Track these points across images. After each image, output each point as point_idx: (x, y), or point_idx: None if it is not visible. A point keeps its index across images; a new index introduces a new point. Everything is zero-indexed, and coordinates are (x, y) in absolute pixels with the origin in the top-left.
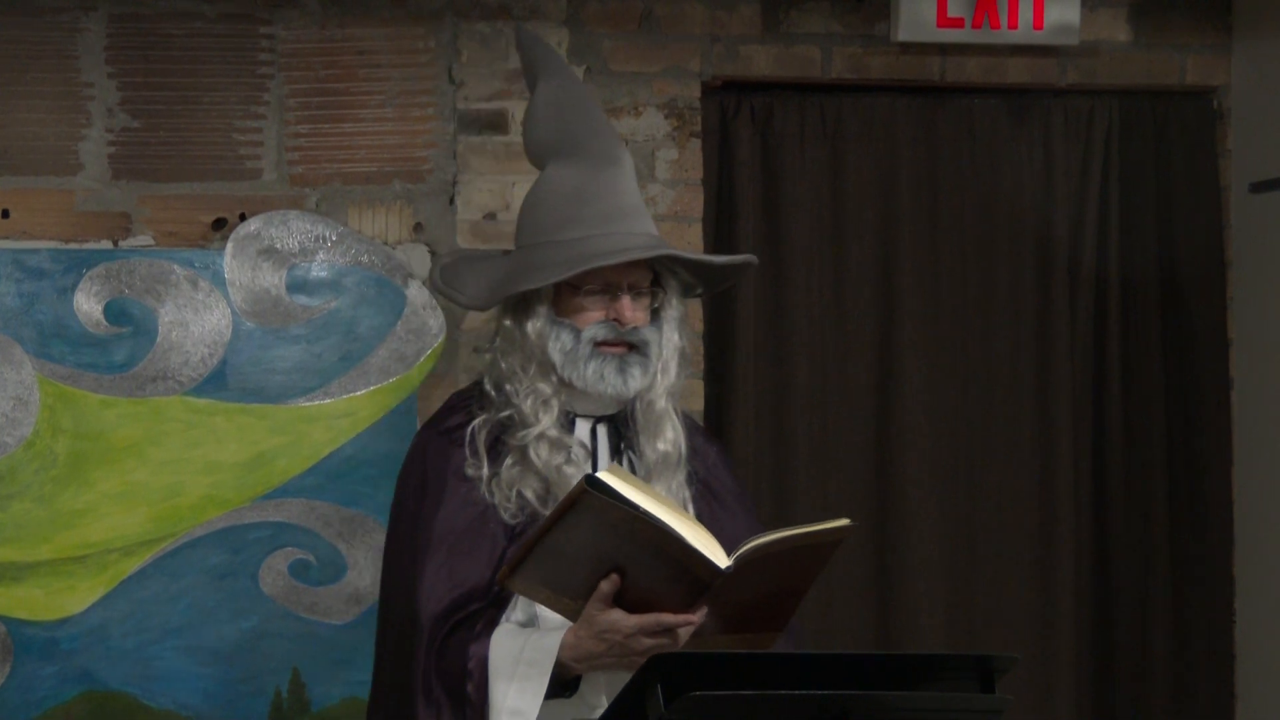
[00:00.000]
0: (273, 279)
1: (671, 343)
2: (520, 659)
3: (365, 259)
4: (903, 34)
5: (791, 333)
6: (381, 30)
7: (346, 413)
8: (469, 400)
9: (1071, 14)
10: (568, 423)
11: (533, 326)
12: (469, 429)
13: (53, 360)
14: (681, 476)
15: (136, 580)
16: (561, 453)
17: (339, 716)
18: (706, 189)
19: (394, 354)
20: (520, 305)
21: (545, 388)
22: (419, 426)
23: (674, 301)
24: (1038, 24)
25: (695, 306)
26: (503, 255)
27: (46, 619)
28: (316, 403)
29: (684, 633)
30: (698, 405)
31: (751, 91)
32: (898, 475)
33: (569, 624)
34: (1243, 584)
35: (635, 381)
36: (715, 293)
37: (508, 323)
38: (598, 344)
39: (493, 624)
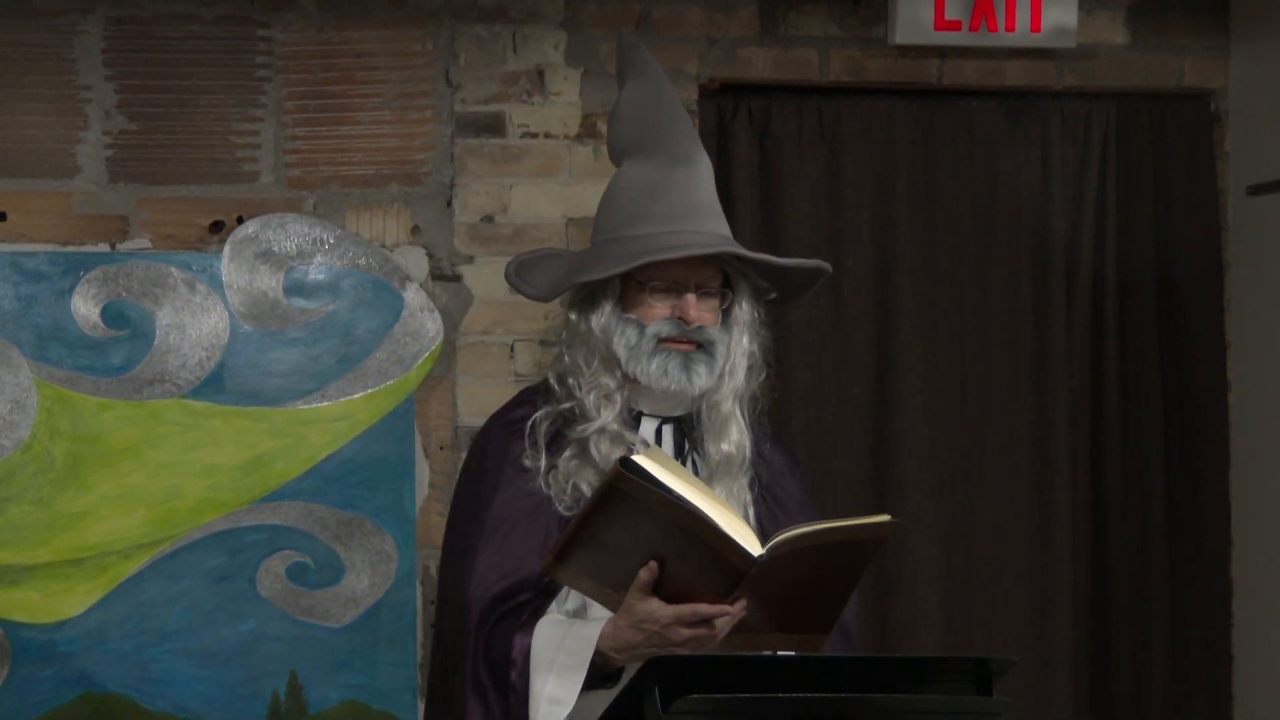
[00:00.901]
0: (270, 282)
1: (740, 345)
2: (561, 648)
3: (363, 262)
4: (900, 36)
5: (789, 334)
6: (379, 33)
7: (344, 415)
8: (535, 394)
9: (1069, 16)
10: (633, 420)
11: (598, 321)
12: (531, 420)
13: (50, 363)
14: (744, 480)
15: (134, 583)
16: (621, 447)
17: (337, 719)
18: None
19: (391, 357)
20: (587, 300)
21: (609, 382)
22: (416, 429)
23: (744, 304)
24: (1035, 26)
25: None
26: (577, 253)
27: (44, 621)
28: (314, 405)
29: (722, 624)
30: None
31: (749, 94)
32: (895, 477)
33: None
34: (1240, 586)
35: (700, 379)
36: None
37: (573, 316)
38: (662, 340)
39: (539, 614)
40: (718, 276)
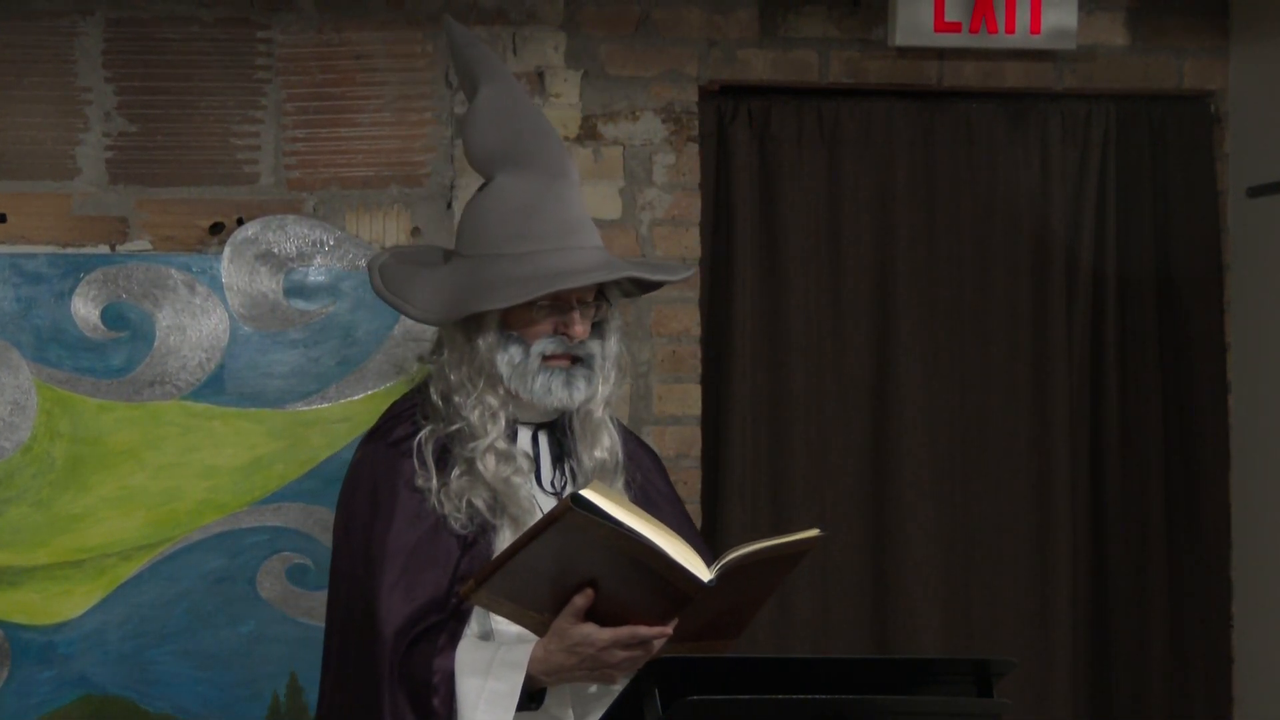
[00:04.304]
0: (270, 283)
1: (613, 353)
2: (490, 674)
3: (363, 263)
4: (900, 38)
5: (789, 336)
6: (379, 34)
7: (344, 417)
8: (411, 411)
9: (1069, 18)
10: (511, 432)
11: (484, 341)
12: (416, 440)
13: (50, 364)
14: (619, 483)
15: (134, 584)
16: (509, 464)
17: None
18: (704, 193)
19: (391, 358)
20: (469, 318)
21: (493, 400)
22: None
23: (616, 311)
24: (1035, 28)
25: (692, 311)
26: (445, 260)
27: (44, 623)
28: (314, 407)
29: (658, 644)
30: (694, 410)
31: (749, 96)
32: (894, 479)
33: (526, 636)
34: (1240, 588)
35: (580, 394)
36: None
37: (458, 336)
38: (545, 358)
39: (455, 637)
40: (594, 290)
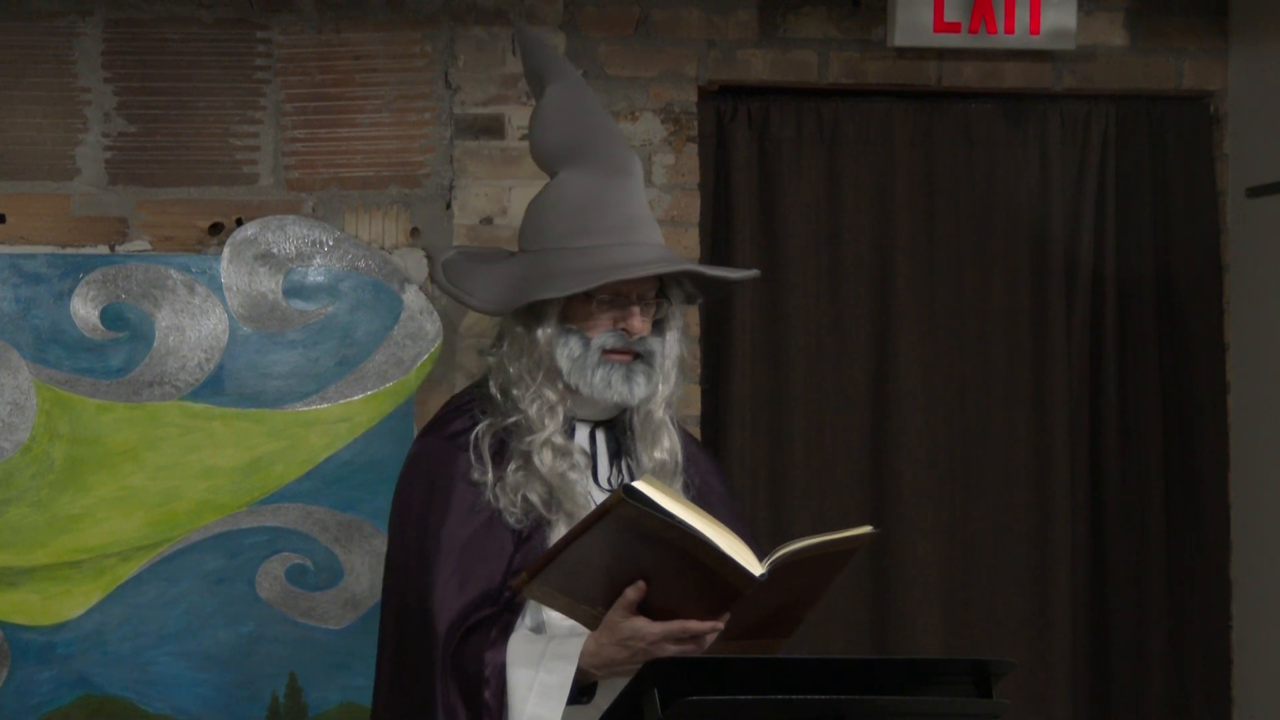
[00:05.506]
0: (269, 284)
1: (673, 352)
2: (540, 667)
3: (362, 264)
4: (899, 39)
5: (788, 337)
6: (378, 35)
7: (343, 417)
8: (470, 404)
9: (1068, 19)
10: (569, 428)
11: (543, 333)
12: (473, 434)
13: (49, 365)
14: (678, 485)
15: (133, 585)
16: (566, 459)
17: None
18: (703, 194)
19: (391, 358)
20: (530, 311)
21: (551, 394)
22: (415, 431)
23: (677, 312)
24: (1034, 29)
25: (691, 311)
26: (509, 257)
27: (43, 624)
28: (313, 407)
29: (710, 639)
30: (694, 410)
31: (748, 96)
32: (894, 479)
33: (578, 629)
34: (1239, 587)
35: (640, 389)
36: (712, 299)
37: (518, 329)
38: (605, 352)
39: (507, 630)
40: (654, 287)
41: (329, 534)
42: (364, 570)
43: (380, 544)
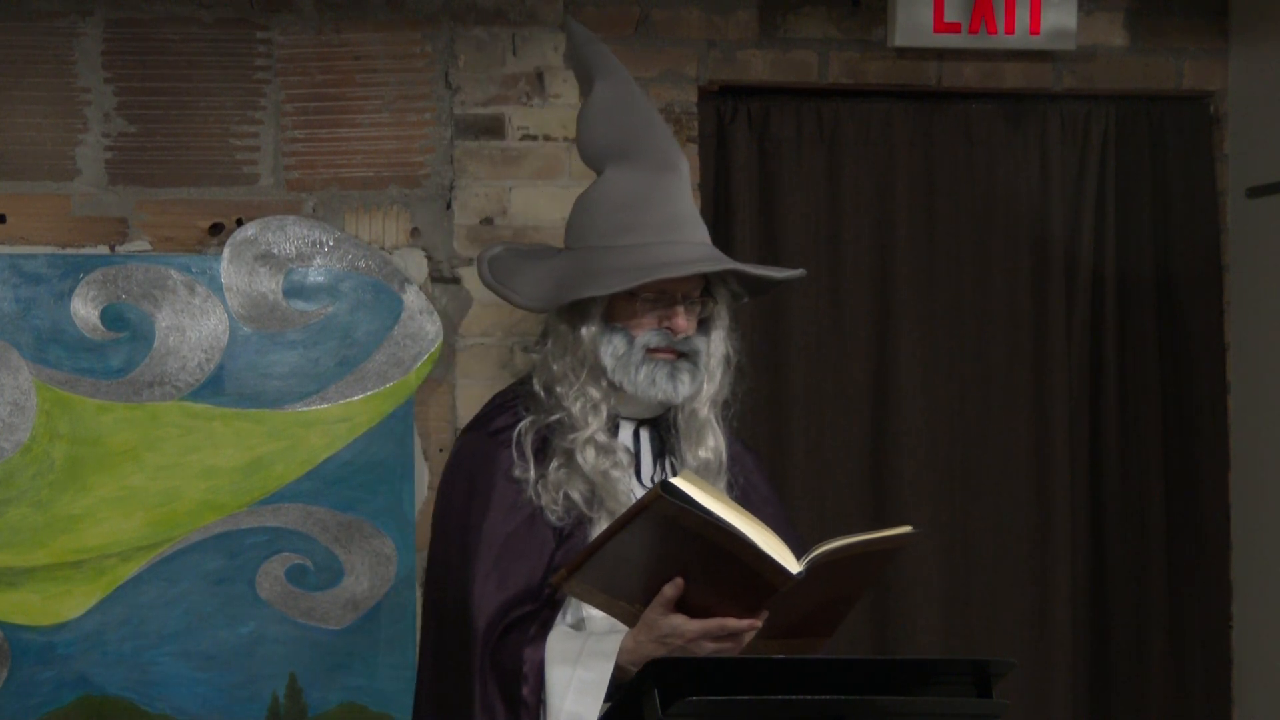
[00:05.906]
0: (269, 284)
1: (718, 352)
2: (578, 663)
3: (362, 264)
4: (899, 39)
5: (788, 337)
6: (378, 35)
7: (343, 418)
8: (514, 401)
9: (1068, 19)
10: (612, 426)
11: (587, 331)
12: (516, 430)
13: (49, 365)
14: (722, 484)
15: (133, 585)
16: (608, 457)
17: None
18: (703, 194)
19: (391, 359)
20: (574, 309)
21: (595, 392)
22: (415, 431)
23: (723, 311)
24: (1034, 29)
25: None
26: (555, 254)
27: (43, 624)
28: (314, 408)
29: (747, 637)
30: None
31: (748, 96)
32: (894, 479)
33: (618, 626)
34: (1239, 587)
35: (685, 387)
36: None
37: (562, 326)
38: (650, 350)
39: (546, 626)
40: (699, 285)
41: (329, 534)
42: (364, 570)
43: (380, 544)
